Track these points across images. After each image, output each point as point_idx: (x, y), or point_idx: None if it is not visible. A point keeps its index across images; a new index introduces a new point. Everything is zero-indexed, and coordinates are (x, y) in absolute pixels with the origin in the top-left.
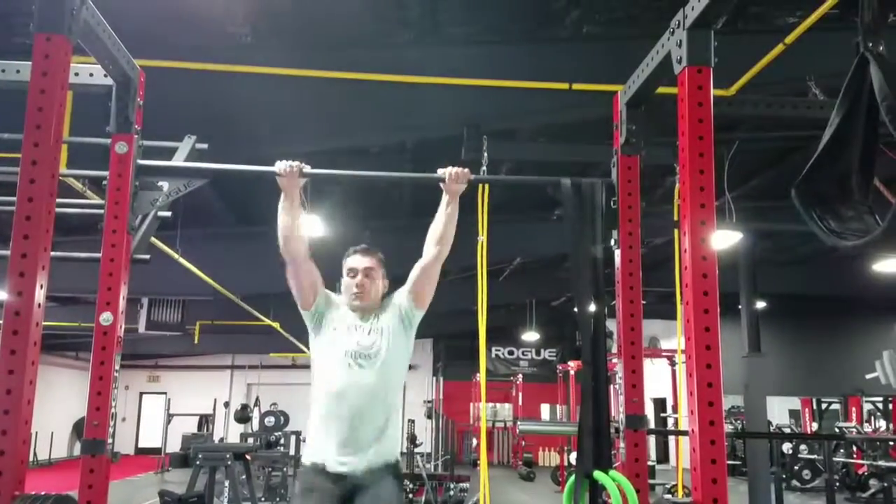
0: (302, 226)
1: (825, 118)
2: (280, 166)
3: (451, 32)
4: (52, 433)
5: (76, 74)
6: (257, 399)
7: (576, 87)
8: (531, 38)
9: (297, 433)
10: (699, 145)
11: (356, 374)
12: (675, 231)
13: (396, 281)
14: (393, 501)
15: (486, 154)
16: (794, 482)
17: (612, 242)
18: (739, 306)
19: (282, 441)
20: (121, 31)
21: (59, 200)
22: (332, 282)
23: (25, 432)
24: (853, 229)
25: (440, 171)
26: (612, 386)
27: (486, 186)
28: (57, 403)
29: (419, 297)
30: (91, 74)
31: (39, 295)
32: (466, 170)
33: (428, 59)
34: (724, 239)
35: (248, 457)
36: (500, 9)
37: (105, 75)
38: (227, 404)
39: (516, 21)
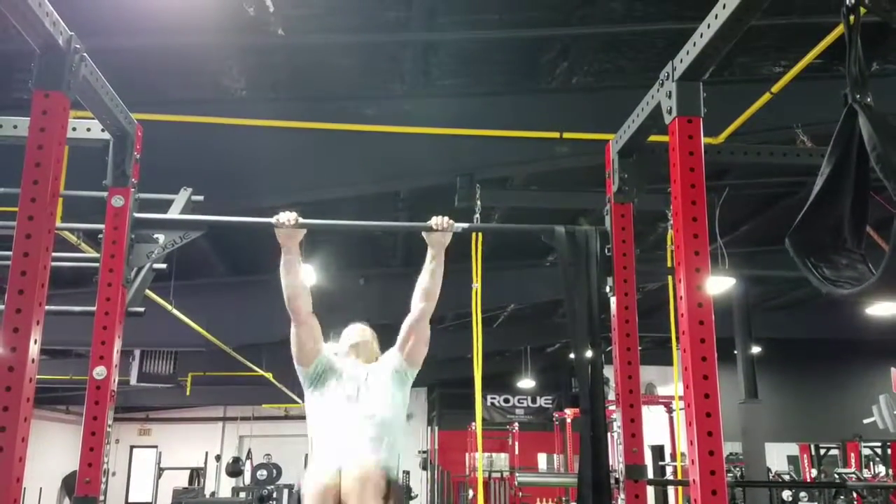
0: (305, 281)
1: (813, 165)
2: (277, 218)
3: (443, 84)
4: (41, 489)
5: (73, 129)
6: (249, 451)
7: (567, 135)
8: (521, 89)
9: (290, 486)
10: (691, 193)
11: (355, 428)
12: (669, 277)
13: (392, 329)
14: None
15: (478, 202)
16: None
17: (608, 289)
18: (735, 352)
19: (274, 495)
20: (118, 85)
21: (53, 254)
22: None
23: (17, 491)
24: (847, 277)
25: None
26: (609, 434)
27: (480, 234)
28: (46, 458)
29: (410, 357)
30: (88, 129)
31: (34, 350)
32: (451, 221)
33: (421, 110)
34: (718, 285)
35: None
36: (491, 61)
37: (102, 130)
38: (218, 457)
39: (506, 73)
